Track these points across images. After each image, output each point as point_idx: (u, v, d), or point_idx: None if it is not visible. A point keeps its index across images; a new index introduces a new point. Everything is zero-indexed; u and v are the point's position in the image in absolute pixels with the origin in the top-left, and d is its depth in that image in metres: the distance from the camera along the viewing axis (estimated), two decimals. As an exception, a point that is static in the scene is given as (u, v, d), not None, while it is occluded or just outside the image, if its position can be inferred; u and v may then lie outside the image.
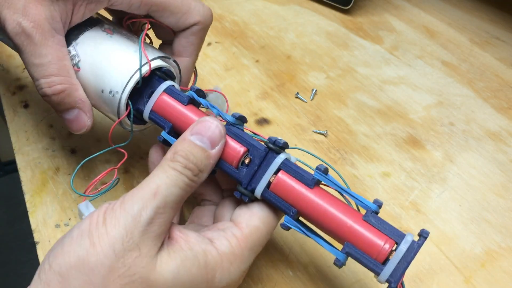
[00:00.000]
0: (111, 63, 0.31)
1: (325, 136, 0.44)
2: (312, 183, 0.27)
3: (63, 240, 0.23)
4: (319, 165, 0.27)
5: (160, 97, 0.30)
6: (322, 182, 0.27)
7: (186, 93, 0.30)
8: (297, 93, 0.49)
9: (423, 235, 0.25)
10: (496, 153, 0.44)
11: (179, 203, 0.25)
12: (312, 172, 0.27)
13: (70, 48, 0.31)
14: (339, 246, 0.26)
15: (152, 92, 0.30)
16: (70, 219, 0.35)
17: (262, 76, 0.52)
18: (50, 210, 0.35)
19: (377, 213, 0.26)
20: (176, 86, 0.31)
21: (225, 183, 0.32)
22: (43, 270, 0.22)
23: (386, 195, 0.39)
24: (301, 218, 0.28)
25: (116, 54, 0.31)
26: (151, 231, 0.23)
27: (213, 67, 0.52)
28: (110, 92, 0.30)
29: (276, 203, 0.27)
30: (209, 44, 0.55)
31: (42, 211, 0.35)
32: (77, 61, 0.31)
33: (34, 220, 0.35)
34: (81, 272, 0.22)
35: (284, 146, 0.28)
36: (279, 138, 0.28)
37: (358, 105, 0.49)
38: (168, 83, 0.31)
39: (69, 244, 0.23)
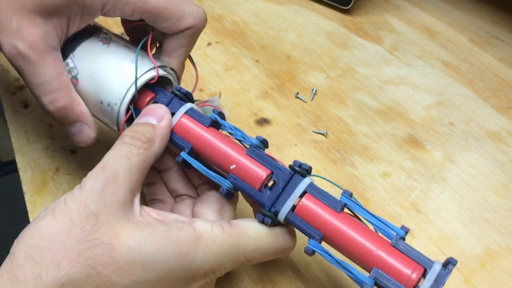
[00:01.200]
0: (108, 75, 0.31)
1: (325, 136, 0.44)
2: (339, 207, 0.26)
3: (33, 220, 0.25)
4: (346, 190, 0.27)
5: (180, 119, 0.30)
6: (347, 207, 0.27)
7: (208, 115, 0.30)
8: (297, 93, 0.49)
9: (452, 262, 0.24)
10: (496, 153, 0.44)
11: (133, 173, 0.26)
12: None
13: (68, 60, 0.31)
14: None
15: (172, 113, 0.30)
16: (70, 219, 0.35)
17: (262, 76, 0.52)
18: (50, 210, 0.35)
19: (404, 239, 0.26)
20: (195, 107, 0.31)
21: (196, 179, 0.32)
22: (12, 246, 0.24)
23: (386, 195, 0.39)
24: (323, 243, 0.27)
25: (113, 66, 0.31)
26: (106, 199, 0.24)
27: (213, 67, 0.52)
28: (109, 104, 0.31)
29: (301, 226, 0.26)
30: (209, 44, 0.55)
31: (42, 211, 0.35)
32: (75, 73, 0.31)
33: (34, 220, 0.35)
34: (42, 240, 0.23)
35: (309, 171, 0.28)
36: (303, 162, 0.27)
37: (358, 105, 0.49)
38: (188, 105, 0.30)
39: (35, 221, 0.24)
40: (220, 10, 0.62)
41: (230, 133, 0.30)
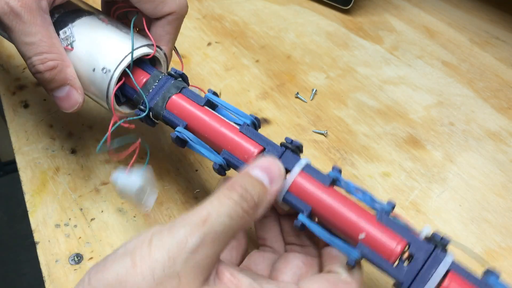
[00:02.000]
0: (106, 43, 0.32)
1: (325, 136, 0.44)
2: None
3: (108, 256, 0.23)
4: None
5: (297, 178, 0.27)
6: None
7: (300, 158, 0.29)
8: (297, 93, 0.49)
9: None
10: (496, 153, 0.44)
11: (229, 236, 0.23)
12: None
13: (66, 29, 0.33)
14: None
15: (286, 169, 0.27)
16: (70, 219, 0.35)
17: (262, 76, 0.52)
18: (50, 210, 0.35)
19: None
20: (310, 162, 0.29)
21: (289, 236, 0.29)
22: (81, 283, 0.22)
23: (386, 195, 0.39)
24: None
25: (112, 37, 0.33)
26: (195, 261, 0.22)
27: (213, 67, 0.52)
28: (103, 69, 0.32)
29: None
30: (209, 44, 0.55)
31: (42, 211, 0.35)
32: (71, 41, 0.33)
33: (34, 220, 0.35)
34: None
35: (446, 243, 0.24)
36: (437, 232, 0.25)
37: (358, 105, 0.49)
38: (304, 161, 0.28)
39: (112, 260, 0.22)
40: (220, 10, 0.62)
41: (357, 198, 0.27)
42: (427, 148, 0.44)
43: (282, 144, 0.28)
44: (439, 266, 0.23)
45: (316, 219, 0.28)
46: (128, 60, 0.32)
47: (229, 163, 0.29)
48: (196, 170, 0.40)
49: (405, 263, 0.24)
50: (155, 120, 0.32)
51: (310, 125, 0.45)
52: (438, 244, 0.24)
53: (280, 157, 0.28)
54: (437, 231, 0.25)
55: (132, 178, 0.30)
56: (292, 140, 0.28)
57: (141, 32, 0.36)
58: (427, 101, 0.50)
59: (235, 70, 0.52)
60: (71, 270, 0.32)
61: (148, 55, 0.33)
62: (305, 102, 0.48)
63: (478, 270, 0.34)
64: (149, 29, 0.35)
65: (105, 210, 0.36)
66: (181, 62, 0.37)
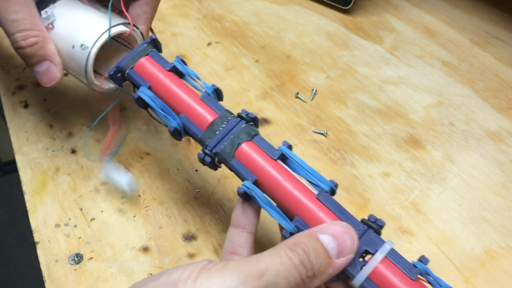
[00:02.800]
0: (85, 22, 0.34)
1: (325, 136, 0.44)
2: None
3: (149, 281, 0.22)
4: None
5: (380, 265, 0.24)
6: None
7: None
8: (297, 93, 0.49)
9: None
10: (496, 153, 0.44)
11: None
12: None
13: (47, 9, 0.35)
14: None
15: (366, 251, 0.25)
16: (70, 219, 0.35)
17: (262, 76, 0.52)
18: (50, 210, 0.35)
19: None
20: (393, 246, 0.25)
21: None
22: None
23: (386, 195, 0.39)
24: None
25: (91, 16, 0.35)
26: None
27: (213, 67, 0.52)
28: (82, 45, 0.34)
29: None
30: (209, 44, 0.55)
31: (42, 211, 0.35)
32: (52, 20, 0.35)
33: (34, 220, 0.35)
34: None
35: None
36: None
37: (358, 105, 0.49)
38: (388, 246, 0.25)
39: (152, 287, 0.21)
40: (220, 10, 0.62)
41: None
42: (427, 148, 0.44)
43: (362, 221, 0.25)
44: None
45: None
46: (105, 36, 0.33)
47: (298, 228, 0.26)
48: (196, 170, 0.40)
49: None
50: (219, 165, 0.30)
51: (310, 125, 0.45)
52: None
53: (363, 234, 0.25)
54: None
55: (120, 177, 0.34)
56: (375, 219, 0.25)
57: (121, 14, 0.37)
58: (427, 101, 0.50)
59: (235, 70, 0.52)
60: (71, 270, 0.32)
61: (124, 33, 0.35)
62: (305, 102, 0.48)
63: (477, 270, 0.34)
64: (127, 10, 0.36)
65: (105, 210, 0.36)
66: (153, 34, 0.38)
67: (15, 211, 1.26)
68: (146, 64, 0.32)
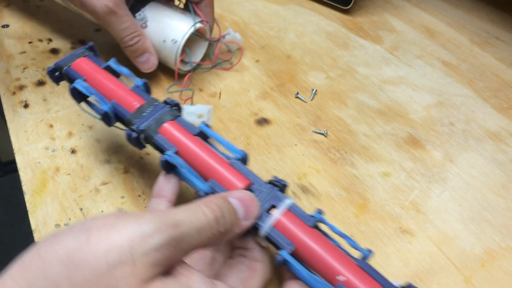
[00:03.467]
0: (172, 20, 0.46)
1: (325, 136, 0.44)
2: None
3: (63, 231, 0.22)
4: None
5: (282, 217, 0.28)
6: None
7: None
8: (297, 93, 0.49)
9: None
10: (496, 153, 0.44)
11: (191, 248, 0.24)
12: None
13: (140, 12, 0.46)
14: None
15: (273, 206, 0.29)
16: (70, 219, 0.35)
17: (262, 76, 0.52)
18: (50, 210, 0.35)
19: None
20: (294, 201, 0.30)
21: (238, 241, 0.30)
22: (29, 251, 0.21)
23: (386, 195, 0.39)
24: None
25: (175, 16, 0.46)
26: (155, 257, 0.21)
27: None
28: (173, 40, 0.45)
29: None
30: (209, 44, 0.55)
31: (42, 211, 0.35)
32: (145, 21, 0.46)
33: (34, 220, 0.35)
34: (64, 266, 0.20)
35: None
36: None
37: (358, 105, 0.49)
38: (289, 202, 0.29)
39: (66, 234, 0.21)
40: (220, 10, 0.62)
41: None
42: (427, 148, 0.44)
43: (269, 182, 0.30)
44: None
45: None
46: (190, 32, 0.45)
47: (212, 190, 0.29)
48: (196, 170, 0.40)
49: None
50: (144, 143, 0.33)
51: (310, 125, 0.45)
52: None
53: (268, 193, 0.29)
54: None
55: (200, 107, 0.42)
56: (279, 179, 0.30)
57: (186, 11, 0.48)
58: (427, 101, 0.50)
59: (235, 70, 0.52)
60: (71, 270, 0.32)
61: (200, 28, 0.46)
62: (305, 102, 0.48)
63: (477, 270, 0.34)
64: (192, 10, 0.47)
65: (105, 210, 0.36)
66: (219, 29, 0.52)
67: (15, 211, 1.26)
68: (82, 63, 0.36)
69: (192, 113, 0.42)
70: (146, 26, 0.45)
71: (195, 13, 0.47)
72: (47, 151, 0.40)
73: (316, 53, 0.56)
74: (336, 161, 0.42)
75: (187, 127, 0.32)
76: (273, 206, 0.28)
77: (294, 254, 0.27)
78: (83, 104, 0.36)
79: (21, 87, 0.46)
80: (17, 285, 0.20)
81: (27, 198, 0.36)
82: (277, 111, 0.47)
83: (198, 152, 0.30)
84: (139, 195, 0.37)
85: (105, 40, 0.55)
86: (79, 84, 0.34)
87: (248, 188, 0.29)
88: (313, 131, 0.45)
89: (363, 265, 0.27)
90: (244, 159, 0.31)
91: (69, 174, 0.38)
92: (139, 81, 0.35)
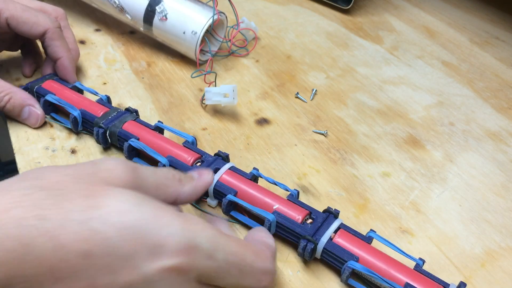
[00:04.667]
0: (192, 14, 0.48)
1: (325, 136, 0.44)
2: (370, 240, 0.32)
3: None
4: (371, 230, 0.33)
5: (224, 174, 0.36)
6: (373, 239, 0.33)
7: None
8: (297, 93, 0.49)
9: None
10: (496, 153, 0.44)
11: (150, 186, 0.27)
12: None
13: (160, 5, 0.48)
14: None
15: (217, 169, 0.36)
16: (70, 219, 0.35)
17: (262, 76, 0.52)
18: (50, 210, 0.35)
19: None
20: (235, 166, 0.37)
21: None
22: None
23: (386, 195, 0.39)
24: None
25: (193, 8, 0.48)
26: (107, 176, 0.25)
27: (213, 67, 0.52)
28: (192, 31, 0.47)
29: (339, 252, 0.31)
30: (209, 44, 0.55)
31: (42, 211, 0.35)
32: (165, 13, 0.48)
33: (34, 220, 0.35)
34: (53, 171, 0.24)
35: (337, 213, 0.34)
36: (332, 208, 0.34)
37: (358, 105, 0.49)
38: (229, 165, 0.37)
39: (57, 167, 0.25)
40: (220, 10, 0.62)
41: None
42: (427, 148, 0.44)
43: (216, 154, 0.37)
44: (331, 225, 0.32)
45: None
46: (209, 23, 0.47)
47: (171, 164, 0.36)
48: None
49: (309, 222, 0.33)
50: (109, 140, 0.39)
51: (310, 125, 0.45)
52: (332, 213, 0.33)
53: (213, 161, 0.37)
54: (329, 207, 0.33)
55: (224, 87, 0.44)
56: (222, 152, 0.37)
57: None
58: (427, 101, 0.50)
59: (235, 70, 0.52)
60: (71, 270, 0.32)
61: (217, 20, 0.48)
62: (305, 102, 0.48)
63: (477, 270, 0.34)
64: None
65: (105, 210, 0.36)
66: (237, 15, 0.54)
67: (15, 211, 1.26)
68: (52, 83, 0.43)
69: (218, 93, 0.44)
70: (165, 19, 0.48)
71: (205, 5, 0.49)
72: (47, 151, 0.40)
73: (316, 53, 0.56)
74: (336, 161, 0.42)
75: (145, 124, 0.39)
76: (217, 169, 0.36)
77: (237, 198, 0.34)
78: (52, 115, 0.42)
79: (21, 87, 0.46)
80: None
81: (27, 198, 0.36)
82: (277, 111, 0.47)
83: (155, 139, 0.38)
84: (139, 195, 0.37)
85: (105, 40, 0.55)
86: (50, 97, 0.41)
87: (198, 159, 0.37)
88: (313, 131, 0.45)
89: (292, 199, 0.34)
90: (193, 142, 0.39)
91: (69, 174, 0.38)
92: (103, 96, 0.42)
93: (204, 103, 0.46)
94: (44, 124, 0.42)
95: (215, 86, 0.47)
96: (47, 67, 0.45)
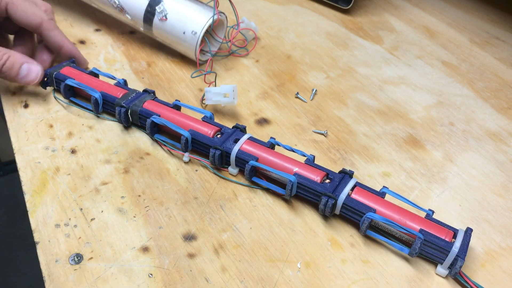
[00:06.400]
0: (192, 14, 0.48)
1: (325, 136, 0.44)
2: (383, 195, 0.35)
3: None
4: (384, 187, 0.36)
5: (244, 143, 0.39)
6: (387, 194, 0.36)
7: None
8: (297, 93, 0.49)
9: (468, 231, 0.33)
10: (496, 153, 0.44)
11: None
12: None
13: (160, 5, 0.48)
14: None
15: (237, 139, 0.39)
16: (70, 219, 0.35)
17: (262, 76, 0.52)
18: (50, 210, 0.35)
19: (432, 214, 0.35)
20: (253, 136, 0.40)
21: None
22: None
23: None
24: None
25: (194, 9, 0.48)
26: None
27: (213, 67, 0.52)
28: (192, 31, 0.47)
29: (357, 206, 0.34)
30: (209, 44, 0.55)
31: (42, 211, 0.35)
32: (165, 13, 0.48)
33: (34, 220, 0.35)
34: None
35: (352, 173, 0.37)
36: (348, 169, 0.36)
37: (358, 105, 0.49)
38: (248, 135, 0.40)
39: None
40: (220, 10, 0.62)
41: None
42: (427, 148, 0.44)
43: (233, 127, 0.40)
44: (348, 183, 0.35)
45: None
46: (208, 23, 0.47)
47: (193, 136, 0.39)
48: (196, 170, 0.40)
49: (327, 181, 0.36)
50: (130, 119, 0.42)
51: (310, 125, 0.45)
52: (347, 173, 0.36)
53: (232, 133, 0.39)
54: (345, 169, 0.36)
55: (224, 87, 0.44)
56: (240, 125, 0.40)
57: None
58: (427, 101, 0.50)
59: (235, 70, 0.52)
60: (71, 270, 0.32)
61: (217, 20, 0.48)
62: (305, 102, 0.48)
63: (477, 270, 0.34)
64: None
65: (105, 210, 0.36)
66: (237, 15, 0.53)
67: (15, 211, 1.26)
68: (70, 69, 0.45)
69: (218, 93, 0.44)
70: (165, 19, 0.48)
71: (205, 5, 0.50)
72: (47, 151, 0.40)
73: (316, 53, 0.56)
74: (336, 161, 0.42)
75: (164, 103, 0.42)
76: (237, 139, 0.38)
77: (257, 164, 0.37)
78: (71, 100, 0.45)
79: (21, 87, 0.46)
80: None
81: (27, 198, 0.36)
82: (277, 111, 0.47)
83: (175, 116, 0.40)
84: (139, 195, 0.37)
85: (105, 40, 0.55)
86: (70, 81, 0.43)
87: (218, 132, 0.39)
88: (313, 131, 0.45)
89: (310, 163, 0.37)
90: (211, 117, 0.41)
91: (69, 174, 0.38)
92: (120, 80, 0.45)
93: (204, 103, 0.46)
94: (44, 124, 0.42)
95: (215, 86, 0.47)
96: (40, 55, 0.47)
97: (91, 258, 0.32)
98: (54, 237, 0.34)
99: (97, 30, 0.56)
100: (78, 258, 0.32)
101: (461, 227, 0.37)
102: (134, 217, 0.35)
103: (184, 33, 0.47)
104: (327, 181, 0.36)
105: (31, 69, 0.42)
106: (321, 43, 0.58)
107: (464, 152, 0.44)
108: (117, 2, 0.49)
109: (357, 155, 0.43)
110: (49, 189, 0.37)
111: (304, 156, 0.38)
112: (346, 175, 0.36)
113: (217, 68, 0.52)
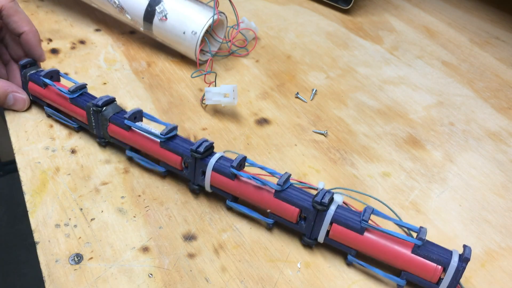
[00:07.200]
0: (191, 14, 0.48)
1: (325, 136, 0.44)
2: (362, 231, 0.31)
3: None
4: (367, 207, 0.32)
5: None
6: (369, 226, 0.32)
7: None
8: (297, 93, 0.49)
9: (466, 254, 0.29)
10: (496, 153, 0.44)
11: None
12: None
13: (160, 5, 0.48)
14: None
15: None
16: (70, 219, 0.35)
17: (262, 76, 0.52)
18: (50, 210, 0.35)
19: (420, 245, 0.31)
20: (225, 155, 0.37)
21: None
22: None
23: (386, 195, 0.39)
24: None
25: (193, 9, 0.48)
26: None
27: (213, 67, 0.52)
28: (192, 31, 0.47)
29: (338, 246, 0.32)
30: (209, 44, 0.55)
31: (42, 211, 0.35)
32: (165, 13, 0.48)
33: (34, 220, 0.35)
34: None
35: (330, 203, 0.32)
36: (327, 191, 0.32)
37: (358, 105, 0.49)
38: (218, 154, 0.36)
39: None
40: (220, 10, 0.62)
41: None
42: (427, 148, 0.44)
43: (192, 151, 0.36)
44: (323, 220, 0.32)
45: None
46: (208, 23, 0.47)
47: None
48: (196, 170, 0.40)
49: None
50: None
51: (310, 125, 0.45)
52: (320, 208, 0.32)
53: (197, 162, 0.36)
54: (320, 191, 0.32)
55: (224, 87, 0.43)
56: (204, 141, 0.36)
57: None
58: (427, 101, 0.50)
59: (235, 70, 0.52)
60: (71, 270, 0.32)
61: (217, 19, 0.48)
62: (305, 102, 0.48)
63: (477, 270, 0.34)
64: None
65: (105, 210, 0.36)
66: (237, 15, 0.53)
67: (15, 211, 1.26)
68: (34, 86, 0.42)
69: (218, 93, 0.43)
70: (165, 19, 0.48)
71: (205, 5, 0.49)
72: (47, 151, 0.40)
73: (316, 53, 0.56)
74: (336, 161, 0.42)
75: (121, 124, 0.39)
76: (204, 172, 0.35)
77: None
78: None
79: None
80: None
81: (27, 198, 0.36)
82: (277, 111, 0.47)
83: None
84: (139, 195, 0.37)
85: (105, 40, 0.55)
86: (47, 109, 0.43)
87: (183, 159, 0.36)
88: (313, 131, 0.45)
89: (281, 196, 0.33)
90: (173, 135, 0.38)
91: (69, 174, 0.38)
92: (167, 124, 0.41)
93: (204, 103, 0.46)
94: (44, 124, 0.42)
95: (215, 86, 0.47)
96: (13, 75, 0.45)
97: (91, 258, 0.32)
98: (54, 237, 0.34)
99: (97, 30, 0.56)
100: (78, 258, 0.32)
101: (461, 227, 0.37)
102: (134, 217, 0.35)
103: (184, 33, 0.48)
104: (303, 216, 0.33)
105: (17, 99, 0.42)
106: (321, 43, 0.58)
107: (464, 152, 0.44)
108: (117, 2, 0.49)
109: (357, 155, 0.43)
110: (49, 189, 0.37)
111: (275, 176, 0.34)
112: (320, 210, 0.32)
113: (217, 68, 0.52)
